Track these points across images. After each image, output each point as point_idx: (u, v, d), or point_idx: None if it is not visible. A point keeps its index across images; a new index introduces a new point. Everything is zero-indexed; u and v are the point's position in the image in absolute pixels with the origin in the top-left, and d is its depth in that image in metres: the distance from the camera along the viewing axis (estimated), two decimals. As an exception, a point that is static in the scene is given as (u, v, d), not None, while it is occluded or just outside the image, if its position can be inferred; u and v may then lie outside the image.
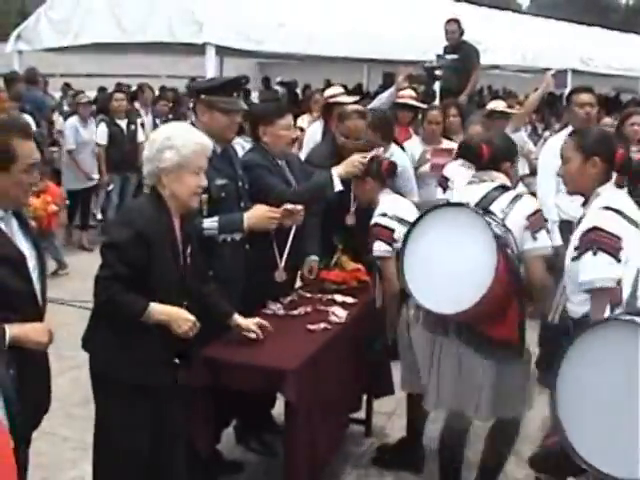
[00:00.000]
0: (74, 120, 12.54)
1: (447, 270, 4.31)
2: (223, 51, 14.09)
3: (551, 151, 7.27)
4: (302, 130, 10.83)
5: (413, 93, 9.18)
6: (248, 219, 5.06)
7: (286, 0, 14.37)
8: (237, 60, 23.48)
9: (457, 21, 12.32)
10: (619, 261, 4.16)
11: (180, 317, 4.13)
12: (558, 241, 6.86)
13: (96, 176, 12.59)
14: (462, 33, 12.24)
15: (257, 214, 5.09)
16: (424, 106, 9.12)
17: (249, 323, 4.75)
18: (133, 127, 12.86)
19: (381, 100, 8.38)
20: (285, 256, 5.49)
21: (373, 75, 22.74)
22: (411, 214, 5.38)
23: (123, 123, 12.70)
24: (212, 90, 5.14)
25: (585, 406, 3.15)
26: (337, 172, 5.69)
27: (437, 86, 12.30)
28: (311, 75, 23.70)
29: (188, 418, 4.49)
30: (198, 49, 12.27)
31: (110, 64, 24.16)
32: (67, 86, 19.54)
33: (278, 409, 5.62)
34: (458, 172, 6.90)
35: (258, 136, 5.74)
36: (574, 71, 18.21)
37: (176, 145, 4.18)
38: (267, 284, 5.50)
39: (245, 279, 5.22)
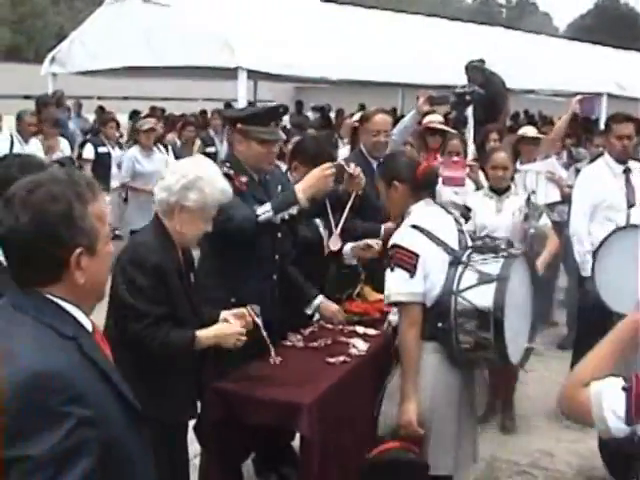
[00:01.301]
0: (135, 151, 11.29)
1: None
2: (256, 75, 14.08)
3: (586, 180, 7.17)
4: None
5: (441, 117, 9.06)
6: (302, 190, 4.84)
7: (319, 24, 14.34)
8: (272, 84, 23.54)
9: (476, 67, 12.12)
10: (413, 276, 4.33)
11: (226, 334, 4.15)
12: (589, 272, 6.73)
13: None
14: (483, 62, 12.04)
15: (308, 180, 4.90)
16: (454, 131, 9.01)
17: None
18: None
19: (404, 124, 8.28)
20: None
21: (408, 99, 22.61)
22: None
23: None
24: (248, 119, 5.05)
25: None
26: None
27: (470, 112, 12.16)
28: (346, 100, 23.65)
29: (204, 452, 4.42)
30: (230, 73, 12.23)
31: (145, 87, 24.26)
32: (101, 109, 19.63)
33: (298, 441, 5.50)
34: (481, 202, 6.79)
35: (290, 168, 5.81)
36: (610, 95, 18.04)
37: (205, 190, 4.13)
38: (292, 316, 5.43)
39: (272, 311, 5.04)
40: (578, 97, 9.62)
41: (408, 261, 4.35)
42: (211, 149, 13.21)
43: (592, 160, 8.30)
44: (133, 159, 11.11)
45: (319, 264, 5.81)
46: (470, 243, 4.70)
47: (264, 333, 4.43)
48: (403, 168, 4.72)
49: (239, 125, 5.04)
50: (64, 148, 11.84)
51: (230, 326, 4.20)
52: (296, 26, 13.64)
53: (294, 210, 4.80)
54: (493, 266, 4.29)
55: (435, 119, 8.75)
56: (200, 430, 4.64)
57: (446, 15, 25.05)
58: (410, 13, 20.46)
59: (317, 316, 5.76)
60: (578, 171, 9.81)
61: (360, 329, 5.49)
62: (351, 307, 5.75)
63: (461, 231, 4.71)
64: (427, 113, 8.59)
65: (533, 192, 7.42)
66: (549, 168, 8.87)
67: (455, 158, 7.67)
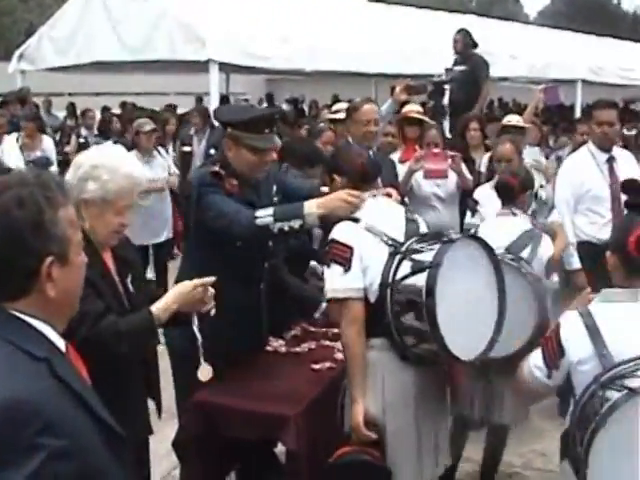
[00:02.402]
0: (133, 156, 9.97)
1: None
2: (227, 68, 13.89)
3: (568, 169, 7.01)
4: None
5: (419, 107, 8.89)
6: (314, 206, 4.32)
7: (290, 15, 14.18)
8: (245, 77, 23.32)
9: (466, 31, 12.08)
10: (347, 270, 4.03)
11: (182, 292, 3.73)
12: (577, 264, 6.59)
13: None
14: (475, 45, 11.99)
15: (327, 199, 4.35)
16: (432, 122, 8.84)
17: None
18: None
19: (380, 114, 8.10)
20: None
21: (381, 90, 22.48)
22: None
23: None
24: (240, 125, 4.63)
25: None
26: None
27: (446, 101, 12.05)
28: (319, 91, 23.50)
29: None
30: (202, 66, 12.04)
31: (115, 83, 24.00)
32: (72, 106, 19.34)
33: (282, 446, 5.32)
34: (489, 195, 6.63)
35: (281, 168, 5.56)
36: (584, 81, 18.03)
37: (101, 178, 3.70)
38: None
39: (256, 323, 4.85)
40: (541, 86, 9.54)
41: (342, 255, 4.06)
42: (187, 148, 12.73)
43: (575, 149, 8.15)
44: None
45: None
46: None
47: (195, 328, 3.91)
48: (344, 161, 4.45)
49: (230, 130, 4.67)
50: (46, 147, 11.46)
51: (183, 284, 3.77)
52: (267, 18, 13.50)
53: (296, 224, 4.36)
54: (429, 253, 3.90)
55: (413, 109, 8.57)
56: (179, 444, 4.39)
57: (414, 4, 24.87)
58: (381, 2, 20.28)
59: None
60: (559, 159, 9.69)
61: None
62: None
63: (412, 220, 4.35)
64: (404, 102, 8.42)
65: (541, 186, 7.21)
66: (533, 157, 8.69)
67: (436, 150, 7.47)
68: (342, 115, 7.62)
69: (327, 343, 5.02)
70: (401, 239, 4.14)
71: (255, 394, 4.30)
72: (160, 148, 10.06)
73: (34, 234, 2.11)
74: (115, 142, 10.74)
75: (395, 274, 3.96)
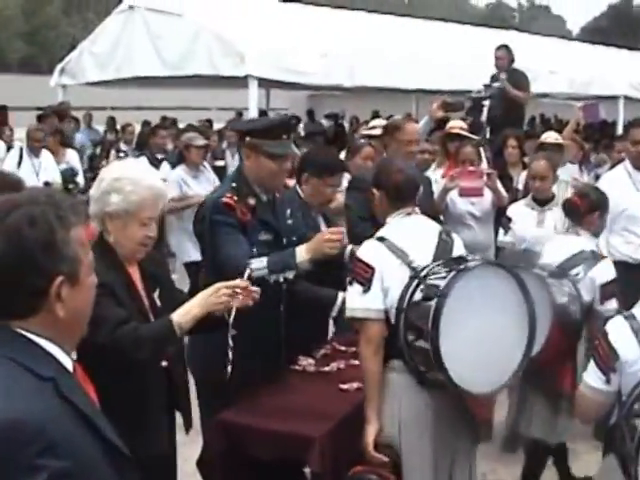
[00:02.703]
0: (181, 171, 9.45)
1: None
2: (267, 83, 13.90)
3: (604, 187, 6.90)
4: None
5: (463, 123, 8.83)
6: (304, 251, 4.39)
7: (329, 30, 14.15)
8: (287, 92, 23.36)
9: (507, 47, 11.98)
10: (367, 290, 4.01)
11: (208, 295, 3.67)
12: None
13: None
14: (512, 60, 11.89)
15: (311, 244, 4.41)
16: (475, 137, 8.78)
17: None
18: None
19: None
20: None
21: (422, 106, 22.42)
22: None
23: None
24: (258, 132, 4.63)
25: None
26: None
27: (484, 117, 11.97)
28: (360, 107, 23.45)
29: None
30: (242, 82, 12.05)
31: (156, 97, 24.17)
32: (112, 120, 19.46)
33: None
34: (522, 213, 6.55)
35: (299, 181, 5.47)
36: (626, 98, 17.81)
37: (124, 190, 3.71)
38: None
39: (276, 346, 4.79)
40: (580, 104, 9.43)
41: (363, 275, 4.03)
42: (220, 162, 12.70)
43: (613, 166, 8.04)
44: (180, 181, 9.27)
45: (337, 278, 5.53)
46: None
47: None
48: (383, 176, 4.41)
49: (248, 138, 4.66)
50: (70, 159, 11.58)
51: (208, 289, 3.72)
52: (306, 33, 13.48)
53: (290, 274, 4.41)
54: (443, 281, 3.80)
55: (456, 125, 8.52)
56: (203, 463, 4.34)
57: (459, 20, 24.81)
58: (422, 18, 20.25)
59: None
60: (597, 177, 9.57)
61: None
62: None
63: (445, 240, 4.24)
64: (441, 119, 8.37)
65: None
66: (572, 174, 8.59)
67: (471, 168, 7.38)
68: (378, 131, 7.57)
69: (356, 363, 4.92)
70: (428, 260, 4.06)
71: (281, 414, 4.24)
72: (205, 163, 10.01)
73: (45, 253, 2.08)
74: (138, 155, 10.77)
75: (410, 299, 3.90)
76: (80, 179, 11.37)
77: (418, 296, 3.86)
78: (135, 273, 3.88)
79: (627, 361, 3.42)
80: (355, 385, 4.56)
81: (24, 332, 2.11)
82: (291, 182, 5.77)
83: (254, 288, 3.85)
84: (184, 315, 3.63)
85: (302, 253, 4.38)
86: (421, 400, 4.01)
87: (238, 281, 3.81)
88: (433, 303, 3.73)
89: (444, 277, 3.82)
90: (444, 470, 4.12)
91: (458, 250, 4.27)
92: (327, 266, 4.95)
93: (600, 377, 3.53)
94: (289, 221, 4.93)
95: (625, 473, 3.29)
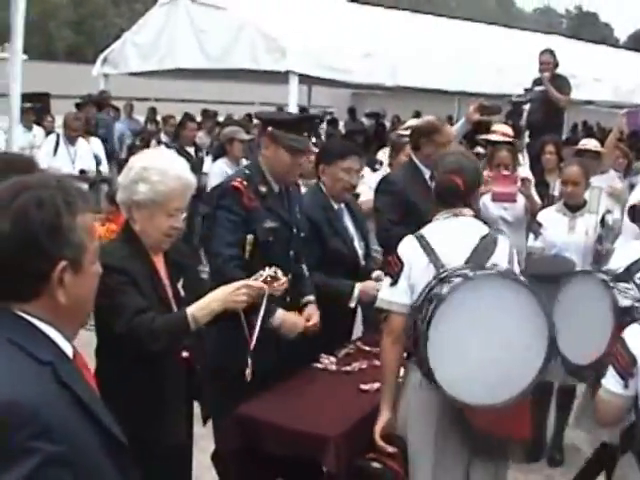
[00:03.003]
0: (222, 164, 9.54)
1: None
2: (308, 80, 13.89)
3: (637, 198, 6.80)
4: (381, 164, 10.45)
5: (508, 128, 8.73)
6: (281, 323, 4.46)
7: (372, 29, 14.12)
8: (330, 90, 23.36)
9: (551, 52, 11.85)
10: (394, 284, 4.08)
11: (226, 293, 3.69)
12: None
13: None
14: (557, 65, 11.76)
15: (288, 321, 4.52)
16: (514, 141, 8.70)
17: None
18: (201, 155, 12.24)
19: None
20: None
21: (464, 108, 22.31)
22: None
23: (191, 151, 11.84)
24: (281, 124, 4.71)
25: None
26: (358, 291, 5.14)
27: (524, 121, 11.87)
28: (402, 107, 23.39)
29: None
30: (282, 77, 12.06)
31: (198, 90, 24.22)
32: (153, 110, 19.49)
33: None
34: (554, 218, 6.47)
35: (318, 174, 5.42)
36: (670, 107, 17.61)
37: (151, 179, 3.70)
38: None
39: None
40: (623, 111, 9.29)
41: (394, 268, 4.10)
42: None
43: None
44: (223, 174, 8.88)
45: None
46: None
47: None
48: (435, 174, 4.45)
49: (270, 128, 4.70)
50: (95, 147, 11.59)
51: (229, 286, 3.73)
52: (350, 31, 13.45)
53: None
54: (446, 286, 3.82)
55: (500, 129, 8.44)
56: (218, 458, 4.33)
57: (504, 23, 24.66)
58: (470, 21, 20.16)
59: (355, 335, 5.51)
60: (632, 186, 9.44)
61: (399, 352, 5.12)
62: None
63: (485, 244, 4.15)
64: (479, 122, 8.29)
65: (609, 211, 7.01)
66: (610, 182, 8.47)
67: (505, 172, 7.28)
68: None
69: (378, 363, 4.88)
70: (459, 263, 4.00)
71: (297, 412, 4.19)
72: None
73: (50, 237, 2.06)
74: (170, 147, 10.73)
75: (422, 299, 3.88)
76: (104, 167, 11.49)
77: (427, 297, 3.86)
78: (160, 262, 3.88)
79: None
80: (375, 386, 4.49)
81: (25, 315, 2.09)
82: None
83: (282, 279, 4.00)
84: (201, 309, 3.63)
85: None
86: (430, 397, 3.94)
87: (260, 283, 3.87)
88: (431, 307, 3.75)
89: (451, 283, 3.82)
90: (454, 472, 4.07)
91: (500, 256, 4.17)
92: None
93: (619, 382, 3.64)
94: (298, 215, 4.96)
95: None
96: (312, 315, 4.72)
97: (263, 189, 4.69)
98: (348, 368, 4.84)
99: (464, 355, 3.77)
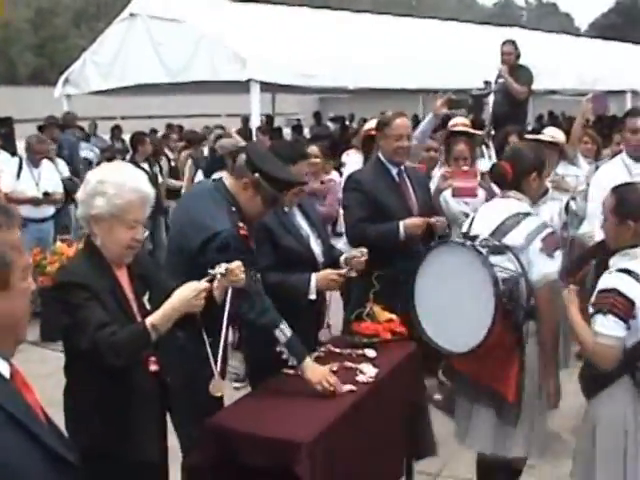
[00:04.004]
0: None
1: (452, 308, 4.68)
2: (271, 87, 13.86)
3: (600, 179, 6.80)
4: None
5: (466, 120, 8.74)
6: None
7: (331, 33, 14.12)
8: (296, 96, 23.34)
9: (513, 42, 11.88)
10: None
11: (182, 298, 3.65)
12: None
13: None
14: (519, 55, 11.79)
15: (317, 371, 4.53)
16: (480, 133, 8.69)
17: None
18: (157, 168, 12.57)
19: (421, 128, 7.99)
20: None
21: (429, 106, 22.36)
22: None
23: (145, 165, 11.99)
24: (272, 180, 4.62)
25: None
26: (315, 280, 5.18)
27: (487, 114, 11.86)
28: (369, 109, 23.41)
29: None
30: (245, 86, 12.02)
31: (163, 105, 24.18)
32: (117, 128, 19.44)
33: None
34: None
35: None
36: (634, 92, 17.74)
37: (108, 193, 3.71)
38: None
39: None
40: (588, 96, 9.27)
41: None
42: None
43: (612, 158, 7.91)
44: None
45: None
46: None
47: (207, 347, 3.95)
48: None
49: (257, 175, 4.61)
50: (62, 169, 11.62)
51: (185, 288, 3.70)
52: (308, 36, 13.44)
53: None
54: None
55: (459, 122, 8.43)
56: (190, 470, 4.24)
57: (465, 19, 24.75)
58: (429, 18, 20.20)
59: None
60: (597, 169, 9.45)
61: (370, 352, 5.06)
62: (360, 329, 5.35)
63: (510, 223, 4.81)
64: (446, 117, 8.30)
65: (573, 198, 7.01)
66: (575, 173, 8.45)
67: (465, 167, 7.23)
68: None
69: (350, 365, 4.85)
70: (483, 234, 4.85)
71: (269, 419, 4.11)
72: None
73: None
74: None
75: None
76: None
77: None
78: (123, 276, 3.88)
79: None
80: (347, 387, 4.48)
81: None
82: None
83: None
84: (160, 318, 3.60)
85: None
86: None
87: (218, 271, 3.94)
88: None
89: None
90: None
91: (518, 234, 4.79)
92: None
93: (622, 326, 4.12)
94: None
95: None
96: None
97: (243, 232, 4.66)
98: (320, 371, 4.77)
99: (437, 304, 4.62)
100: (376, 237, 5.94)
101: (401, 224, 6.08)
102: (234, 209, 4.64)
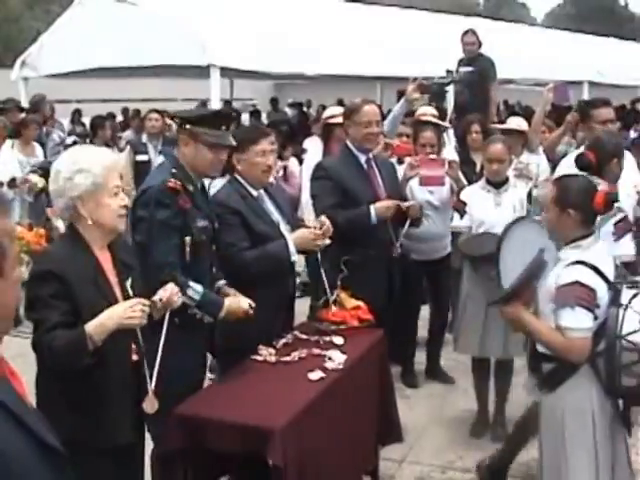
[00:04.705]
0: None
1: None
2: (231, 73, 13.78)
3: (565, 171, 6.85)
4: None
5: (433, 110, 8.76)
6: (226, 310, 4.59)
7: (290, 19, 14.04)
8: (252, 82, 23.20)
9: (474, 32, 11.95)
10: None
11: (119, 311, 3.63)
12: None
13: None
14: (480, 45, 11.86)
15: (234, 307, 4.62)
16: (447, 124, 8.70)
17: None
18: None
19: (393, 114, 7.99)
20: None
21: (387, 93, 22.35)
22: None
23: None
24: (198, 121, 4.73)
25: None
26: (293, 242, 5.22)
27: (449, 103, 11.90)
28: (325, 95, 23.39)
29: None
30: (204, 72, 11.93)
31: (120, 89, 23.95)
32: (78, 112, 19.25)
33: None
34: (479, 196, 6.50)
35: (233, 165, 5.33)
36: (591, 83, 17.87)
37: (85, 167, 3.75)
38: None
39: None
40: (549, 86, 9.35)
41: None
42: (143, 157, 11.30)
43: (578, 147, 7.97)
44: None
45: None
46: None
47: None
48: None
49: (187, 126, 4.72)
50: (39, 153, 11.47)
51: (125, 303, 3.71)
52: (269, 21, 13.34)
53: (208, 319, 4.53)
54: None
55: (427, 111, 8.45)
56: (159, 458, 4.24)
57: (423, 7, 24.76)
58: (386, 5, 20.18)
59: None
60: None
61: (338, 340, 5.08)
62: (327, 316, 5.36)
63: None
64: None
65: (536, 186, 7.06)
66: (537, 163, 8.52)
67: (433, 156, 7.21)
68: (340, 119, 7.48)
69: (318, 352, 4.86)
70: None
71: (239, 406, 4.12)
72: None
73: None
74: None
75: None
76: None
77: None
78: (106, 260, 3.90)
79: (601, 297, 4.25)
80: (318, 374, 4.48)
81: None
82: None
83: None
84: (97, 327, 3.58)
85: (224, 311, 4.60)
86: None
87: (157, 298, 3.94)
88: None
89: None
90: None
91: None
92: None
93: (590, 317, 4.22)
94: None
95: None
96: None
97: (190, 187, 4.69)
98: (288, 358, 4.78)
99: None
100: (347, 222, 5.89)
101: (372, 208, 6.07)
102: (174, 170, 4.68)
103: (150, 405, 3.91)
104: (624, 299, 4.23)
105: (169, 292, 4.00)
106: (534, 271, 4.48)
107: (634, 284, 4.38)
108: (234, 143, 4.88)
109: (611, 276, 4.35)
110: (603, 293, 4.26)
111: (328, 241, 5.31)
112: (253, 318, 4.66)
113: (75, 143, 12.57)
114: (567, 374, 4.36)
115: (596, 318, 4.22)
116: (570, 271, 4.28)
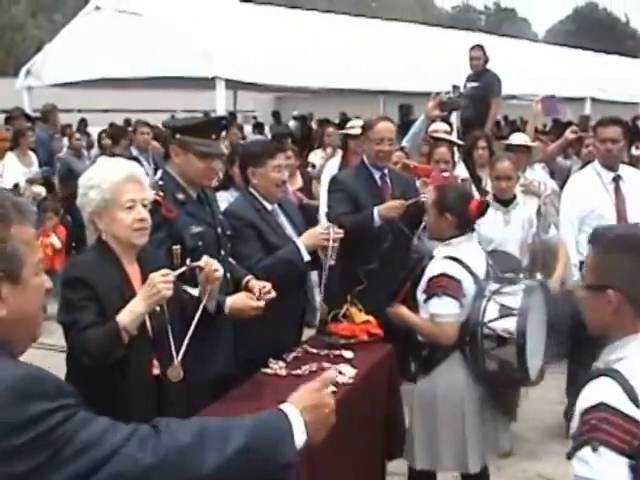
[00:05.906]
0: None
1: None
2: (235, 85, 13.83)
3: (573, 188, 6.91)
4: (313, 166, 10.47)
5: (447, 126, 8.80)
6: (230, 308, 4.55)
7: (295, 33, 14.12)
8: (254, 94, 23.26)
9: (481, 47, 12.01)
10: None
11: (141, 293, 3.72)
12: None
13: None
14: (487, 60, 11.92)
15: (238, 304, 4.59)
16: (460, 142, 8.75)
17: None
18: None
19: (413, 130, 8.04)
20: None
21: (389, 107, 22.41)
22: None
23: None
24: (187, 130, 4.75)
25: None
26: (303, 243, 5.29)
27: (454, 119, 11.94)
28: (327, 109, 23.42)
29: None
30: (209, 83, 11.98)
31: (124, 99, 24.02)
32: (83, 122, 19.29)
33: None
34: (488, 214, 6.53)
35: (247, 178, 5.40)
36: (592, 99, 17.93)
37: (96, 183, 3.83)
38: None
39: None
40: (536, 99, 9.42)
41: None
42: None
43: (583, 167, 8.03)
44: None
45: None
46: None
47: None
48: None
49: (178, 136, 4.75)
50: (34, 162, 11.54)
51: (146, 284, 3.75)
52: (274, 35, 13.44)
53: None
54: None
55: (440, 128, 8.49)
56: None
57: (425, 22, 24.85)
58: (389, 20, 20.24)
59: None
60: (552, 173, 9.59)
61: (348, 354, 5.12)
62: (337, 329, 5.40)
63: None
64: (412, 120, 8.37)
65: (544, 203, 7.11)
66: (536, 178, 8.56)
67: (445, 174, 7.27)
68: (357, 131, 7.56)
69: (328, 366, 4.87)
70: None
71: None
72: None
73: None
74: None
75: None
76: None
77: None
78: (135, 272, 3.95)
79: (467, 288, 4.85)
80: (330, 388, 4.47)
81: None
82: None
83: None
84: (127, 315, 3.65)
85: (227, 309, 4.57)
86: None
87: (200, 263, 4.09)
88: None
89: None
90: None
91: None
92: None
93: (456, 304, 4.82)
94: (220, 216, 5.06)
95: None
96: (259, 285, 4.76)
97: (181, 196, 4.73)
98: (299, 372, 4.80)
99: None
100: (352, 226, 5.89)
101: (375, 210, 6.15)
102: (162, 182, 4.75)
103: (175, 373, 3.95)
104: (487, 292, 4.85)
105: (210, 260, 4.12)
106: (408, 274, 5.07)
107: (502, 280, 5.05)
108: (225, 152, 4.94)
109: (480, 271, 5.00)
110: (469, 284, 4.88)
111: (336, 243, 5.31)
112: (264, 312, 4.66)
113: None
114: (439, 359, 4.95)
115: (462, 306, 4.82)
116: (437, 265, 4.92)
